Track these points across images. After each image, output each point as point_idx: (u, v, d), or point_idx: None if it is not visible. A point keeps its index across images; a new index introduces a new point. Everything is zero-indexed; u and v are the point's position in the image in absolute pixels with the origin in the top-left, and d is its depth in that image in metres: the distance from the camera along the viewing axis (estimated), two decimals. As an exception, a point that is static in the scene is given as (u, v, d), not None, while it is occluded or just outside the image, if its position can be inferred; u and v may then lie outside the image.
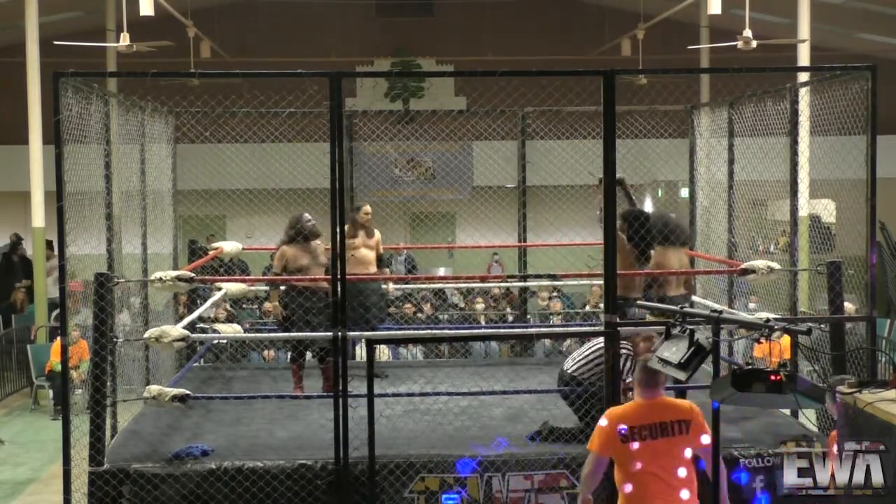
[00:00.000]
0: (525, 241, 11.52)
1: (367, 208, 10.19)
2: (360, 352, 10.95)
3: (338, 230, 7.18)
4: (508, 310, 15.17)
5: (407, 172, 20.31)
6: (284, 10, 21.90)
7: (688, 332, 6.00)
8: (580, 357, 7.79)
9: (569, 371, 7.76)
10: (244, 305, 15.30)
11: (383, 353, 12.50)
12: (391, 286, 11.04)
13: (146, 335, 7.65)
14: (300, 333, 8.73)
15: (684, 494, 5.68)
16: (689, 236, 9.19)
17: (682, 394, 8.64)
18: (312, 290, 9.00)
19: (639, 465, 5.68)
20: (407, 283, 13.48)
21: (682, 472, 5.71)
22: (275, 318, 9.56)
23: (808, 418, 8.84)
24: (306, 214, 9.31)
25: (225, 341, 11.26)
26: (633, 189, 8.66)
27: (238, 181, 13.68)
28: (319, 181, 9.13)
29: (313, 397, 8.61)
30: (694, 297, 9.70)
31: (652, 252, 8.63)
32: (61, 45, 15.56)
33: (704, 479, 5.84)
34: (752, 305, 10.99)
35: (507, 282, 14.75)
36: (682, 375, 6.00)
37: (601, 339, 7.36)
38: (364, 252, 9.99)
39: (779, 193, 9.45)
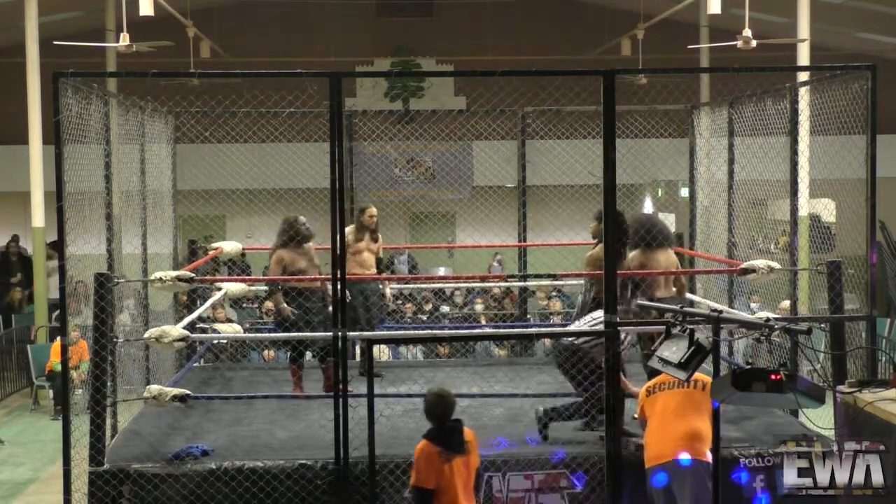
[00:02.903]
0: (525, 241, 11.51)
1: (373, 210, 10.08)
2: (360, 352, 10.94)
3: (338, 230, 7.18)
4: (512, 309, 15.16)
5: (407, 172, 20.31)
6: (285, 10, 21.90)
7: (688, 331, 6.00)
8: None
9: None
10: (244, 305, 15.31)
11: (383, 353, 12.50)
12: (388, 290, 10.99)
13: (146, 335, 7.65)
14: (300, 333, 8.72)
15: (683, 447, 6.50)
16: (672, 236, 9.13)
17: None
18: (311, 290, 8.98)
19: (656, 412, 6.69)
20: (407, 283, 13.48)
21: (688, 424, 6.51)
22: (282, 315, 9.30)
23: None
24: (301, 217, 9.26)
25: (225, 341, 11.26)
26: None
27: (238, 181, 13.67)
28: (319, 181, 9.12)
29: (313, 397, 8.60)
30: (694, 297, 9.69)
31: (632, 254, 8.57)
32: (61, 45, 15.54)
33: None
34: (753, 305, 10.98)
35: (507, 282, 14.75)
36: (682, 375, 6.01)
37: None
38: (366, 255, 9.95)
39: (779, 193, 9.45)
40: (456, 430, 6.09)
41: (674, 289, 8.71)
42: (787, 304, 9.18)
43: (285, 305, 9.07)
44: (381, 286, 10.43)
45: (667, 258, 8.66)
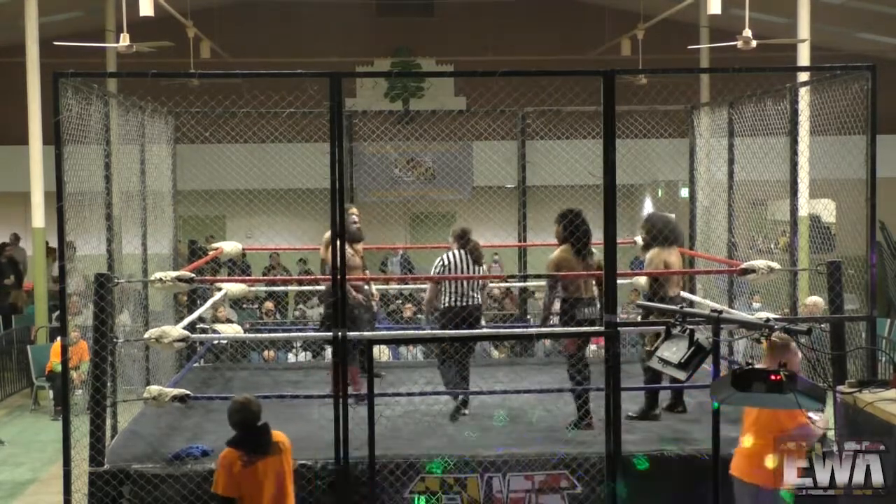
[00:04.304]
0: (525, 241, 11.51)
1: (354, 210, 9.98)
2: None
3: (338, 231, 7.18)
4: (512, 309, 15.14)
5: (407, 172, 20.30)
6: (284, 10, 21.91)
7: (687, 332, 6.00)
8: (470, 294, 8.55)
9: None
10: (244, 306, 15.30)
11: (383, 353, 12.49)
12: (375, 289, 10.93)
13: (146, 335, 7.65)
14: (301, 334, 8.71)
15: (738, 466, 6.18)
16: (682, 236, 9.21)
17: (680, 393, 8.70)
18: (357, 289, 8.93)
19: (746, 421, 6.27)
20: (406, 284, 13.47)
21: (747, 441, 6.14)
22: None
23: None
24: (353, 216, 9.21)
25: (225, 341, 11.25)
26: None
27: (238, 181, 13.68)
28: (319, 181, 9.12)
29: (313, 397, 8.60)
30: (694, 297, 9.69)
31: (651, 253, 8.61)
32: (61, 45, 15.55)
33: None
34: (755, 305, 10.98)
35: (507, 282, 14.74)
36: (682, 375, 6.01)
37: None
38: (354, 257, 9.86)
39: (779, 193, 9.46)
40: (261, 433, 6.04)
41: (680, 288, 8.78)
42: (813, 300, 9.16)
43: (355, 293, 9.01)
44: (364, 287, 10.35)
45: (678, 257, 8.76)
